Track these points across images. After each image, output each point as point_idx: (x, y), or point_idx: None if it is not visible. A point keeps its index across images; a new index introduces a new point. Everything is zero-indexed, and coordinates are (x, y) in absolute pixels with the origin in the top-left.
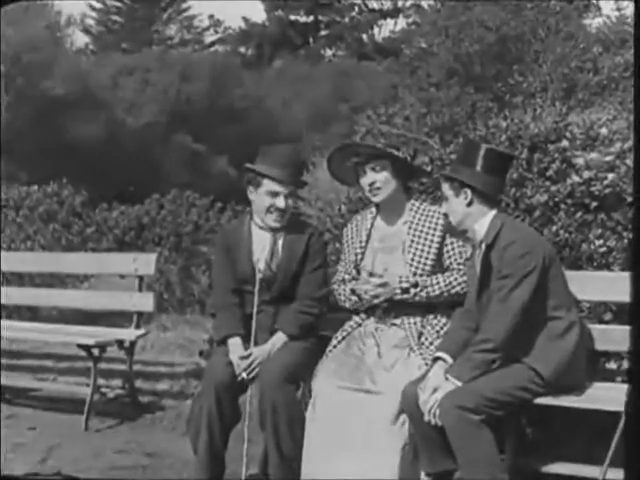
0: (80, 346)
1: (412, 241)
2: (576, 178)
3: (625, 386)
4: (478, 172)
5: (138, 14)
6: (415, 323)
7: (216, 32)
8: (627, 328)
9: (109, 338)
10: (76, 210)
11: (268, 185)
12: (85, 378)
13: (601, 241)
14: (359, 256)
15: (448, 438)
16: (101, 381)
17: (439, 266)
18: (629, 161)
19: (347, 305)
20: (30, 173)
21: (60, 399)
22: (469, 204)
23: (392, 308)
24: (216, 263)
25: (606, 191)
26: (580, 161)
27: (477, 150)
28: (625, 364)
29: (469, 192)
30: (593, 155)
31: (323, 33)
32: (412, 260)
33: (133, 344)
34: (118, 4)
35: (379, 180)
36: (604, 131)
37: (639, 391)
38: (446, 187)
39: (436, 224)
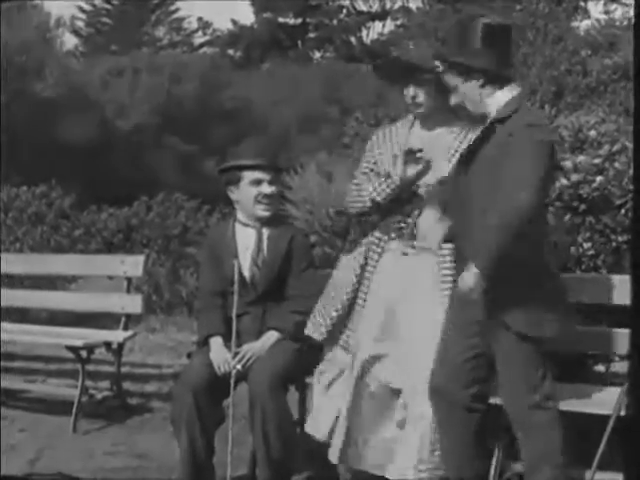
0: (68, 348)
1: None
2: (564, 181)
3: (614, 389)
4: (481, 50)
5: (127, 16)
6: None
7: (205, 34)
8: (618, 331)
9: (97, 340)
10: (65, 212)
11: (249, 176)
12: (74, 380)
13: (589, 244)
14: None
15: None
16: (89, 383)
17: None
18: (617, 164)
19: (359, 207)
20: (20, 174)
21: (49, 401)
22: (483, 85)
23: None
24: (202, 265)
25: (594, 194)
26: (568, 164)
27: (474, 28)
28: (614, 367)
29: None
30: (581, 158)
31: (312, 35)
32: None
33: (121, 346)
34: (107, 6)
35: (420, 94)
36: (593, 134)
37: (639, 391)
38: (451, 76)
39: None
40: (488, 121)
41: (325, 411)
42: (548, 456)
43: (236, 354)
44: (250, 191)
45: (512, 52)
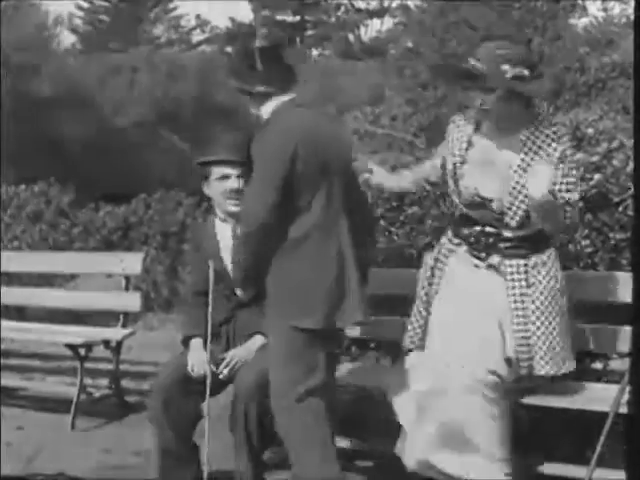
0: (67, 345)
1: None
2: None
3: (612, 386)
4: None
5: (125, 14)
6: (519, 267)
7: (203, 32)
8: (616, 328)
9: (96, 337)
10: (63, 210)
11: (217, 171)
12: (72, 378)
13: (587, 241)
14: (462, 162)
15: None
16: (88, 380)
17: None
18: (615, 161)
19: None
20: (18, 172)
21: (48, 398)
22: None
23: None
24: (189, 262)
25: (592, 191)
26: None
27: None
28: (611, 364)
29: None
30: (579, 155)
31: (310, 33)
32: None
33: (120, 343)
34: (105, 4)
35: (488, 102)
36: (590, 131)
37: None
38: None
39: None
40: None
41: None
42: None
43: (212, 356)
44: (219, 186)
45: (286, 67)
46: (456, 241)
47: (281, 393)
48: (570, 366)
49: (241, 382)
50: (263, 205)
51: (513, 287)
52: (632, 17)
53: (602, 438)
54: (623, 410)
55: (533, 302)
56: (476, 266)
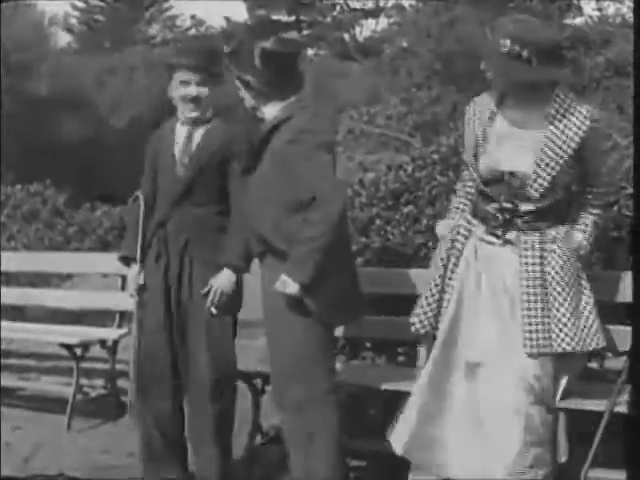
0: (63, 345)
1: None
2: None
3: (608, 385)
4: (258, 69)
5: (120, 13)
6: (534, 242)
7: (198, 32)
8: (613, 327)
9: (92, 337)
10: (59, 210)
11: (178, 75)
12: (68, 378)
13: None
14: (483, 138)
15: None
16: (84, 381)
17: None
18: (610, 161)
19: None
20: (15, 173)
21: (44, 398)
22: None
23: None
24: (144, 174)
25: None
26: None
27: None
28: (607, 363)
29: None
30: None
31: (305, 33)
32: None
33: (116, 343)
34: (101, 3)
35: (490, 72)
36: None
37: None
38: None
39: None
40: (266, 129)
41: None
42: None
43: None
44: (179, 90)
45: (289, 73)
46: (475, 222)
47: (314, 386)
48: (599, 343)
49: (196, 387)
50: (342, 189)
51: (526, 262)
52: (627, 16)
53: (597, 438)
54: (619, 410)
55: (550, 274)
56: (492, 244)
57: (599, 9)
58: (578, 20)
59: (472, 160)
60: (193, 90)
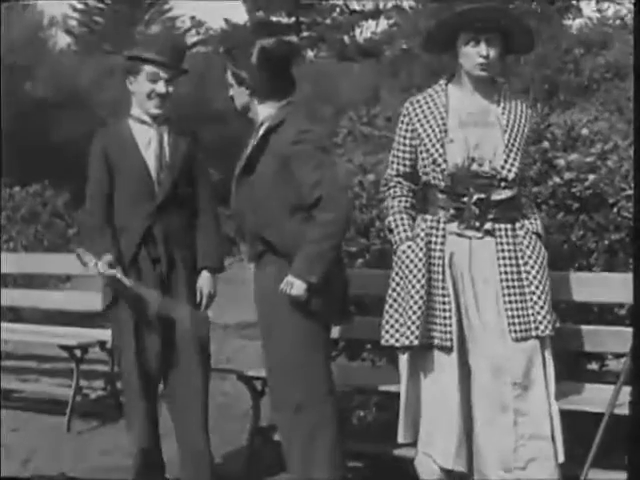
0: (62, 347)
1: (508, 123)
2: (557, 179)
3: (608, 387)
4: (254, 66)
5: (120, 15)
6: (507, 230)
7: (198, 33)
8: (613, 329)
9: (91, 339)
10: (58, 211)
11: (148, 70)
12: (67, 379)
13: (582, 242)
14: (442, 131)
15: None
16: (83, 382)
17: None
18: (610, 162)
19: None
20: (13, 174)
21: (43, 400)
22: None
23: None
24: (92, 174)
25: (587, 192)
26: (561, 162)
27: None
28: (608, 365)
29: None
30: (574, 156)
31: (305, 34)
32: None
33: None
34: (100, 5)
35: (492, 55)
36: (585, 132)
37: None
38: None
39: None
40: (262, 130)
41: None
42: None
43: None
44: (145, 86)
45: (283, 75)
46: (444, 219)
47: (314, 388)
48: (556, 323)
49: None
50: (346, 191)
51: (502, 250)
52: (626, 18)
53: (597, 439)
54: (619, 411)
55: (526, 264)
56: (469, 238)
57: (598, 10)
58: (577, 21)
59: (437, 157)
60: (162, 87)
